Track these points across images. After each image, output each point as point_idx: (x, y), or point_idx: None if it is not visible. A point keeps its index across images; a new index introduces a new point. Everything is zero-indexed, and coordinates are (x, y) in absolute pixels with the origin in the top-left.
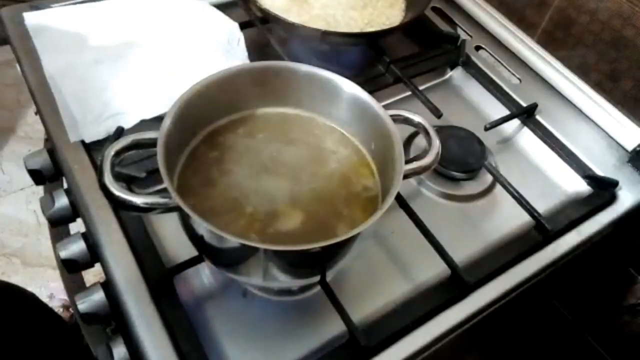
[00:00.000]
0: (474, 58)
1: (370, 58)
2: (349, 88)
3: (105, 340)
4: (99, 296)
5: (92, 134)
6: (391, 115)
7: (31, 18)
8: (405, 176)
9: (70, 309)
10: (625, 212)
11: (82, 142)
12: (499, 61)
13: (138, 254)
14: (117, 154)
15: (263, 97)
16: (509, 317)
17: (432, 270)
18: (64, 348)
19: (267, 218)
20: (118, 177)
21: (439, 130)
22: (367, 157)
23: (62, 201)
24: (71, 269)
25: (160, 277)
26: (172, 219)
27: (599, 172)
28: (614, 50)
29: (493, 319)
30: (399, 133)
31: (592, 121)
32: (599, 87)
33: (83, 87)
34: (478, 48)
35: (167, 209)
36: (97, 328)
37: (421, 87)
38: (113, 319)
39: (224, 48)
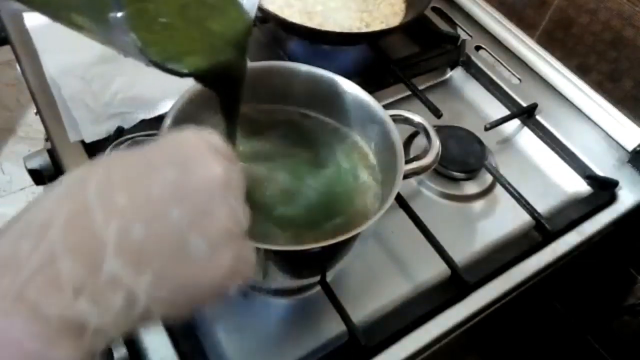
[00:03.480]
0: (474, 58)
1: (370, 58)
2: (349, 88)
3: None
4: None
5: (92, 134)
6: (391, 115)
7: (31, 18)
8: (405, 176)
9: None
10: (626, 212)
11: (82, 142)
12: (499, 61)
13: None
14: None
15: (263, 97)
16: (509, 318)
17: (432, 270)
18: None
19: (268, 217)
20: None
21: (439, 130)
22: (370, 155)
23: None
24: None
25: None
26: None
27: (599, 172)
28: (614, 50)
29: (493, 319)
30: (398, 133)
31: (592, 121)
32: (599, 87)
33: (83, 87)
34: (478, 48)
35: None
36: None
37: (421, 87)
38: None
39: None
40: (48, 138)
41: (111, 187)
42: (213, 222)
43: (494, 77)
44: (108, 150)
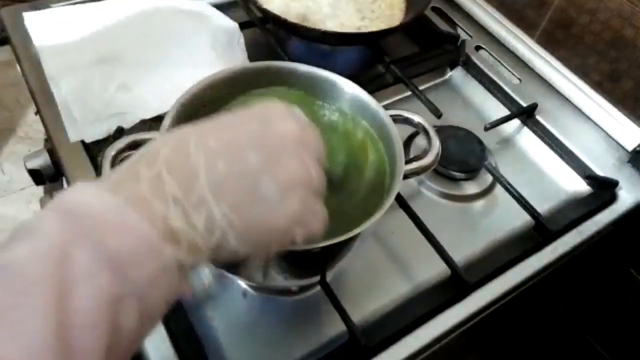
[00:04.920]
0: (474, 58)
1: (370, 58)
2: (349, 88)
3: None
4: None
5: (92, 134)
6: (391, 115)
7: (31, 18)
8: (405, 176)
9: None
10: (625, 212)
11: (82, 142)
12: (499, 61)
13: None
14: (117, 154)
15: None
16: (508, 318)
17: (432, 270)
18: None
19: None
20: None
21: (439, 130)
22: (380, 145)
23: None
24: None
25: None
26: None
27: (599, 172)
28: (614, 50)
29: (493, 319)
30: (398, 133)
31: (592, 121)
32: (599, 87)
33: (83, 87)
34: (478, 48)
35: None
36: None
37: (421, 87)
38: None
39: (224, 48)
40: (48, 138)
41: (206, 132)
42: (284, 170)
43: (494, 77)
44: (109, 149)
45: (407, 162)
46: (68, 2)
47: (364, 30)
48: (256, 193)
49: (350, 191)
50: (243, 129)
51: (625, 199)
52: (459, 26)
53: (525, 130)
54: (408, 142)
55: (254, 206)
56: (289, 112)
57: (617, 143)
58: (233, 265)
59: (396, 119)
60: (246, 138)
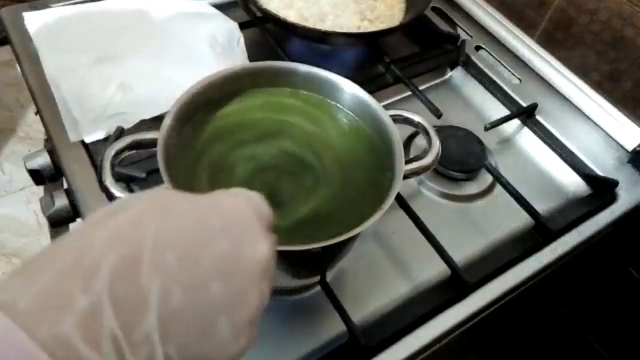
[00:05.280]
0: (474, 58)
1: (370, 58)
2: (349, 88)
3: None
4: None
5: (92, 134)
6: (391, 115)
7: (31, 18)
8: (405, 176)
9: None
10: (625, 212)
11: (82, 142)
12: (499, 61)
13: None
14: (117, 154)
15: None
16: (508, 318)
17: (432, 270)
18: None
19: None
20: (118, 177)
21: (439, 130)
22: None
23: (62, 201)
24: None
25: None
26: None
27: (599, 172)
28: (614, 50)
29: (493, 319)
30: (398, 133)
31: (592, 121)
32: (599, 87)
33: (83, 87)
34: (478, 48)
35: None
36: None
37: (421, 87)
38: None
39: (224, 48)
40: (48, 138)
41: (165, 242)
42: (244, 308)
43: (494, 77)
44: (109, 149)
45: (407, 162)
46: (68, 2)
47: (364, 30)
48: (209, 331)
49: (350, 191)
50: (211, 247)
51: (625, 199)
52: (459, 26)
53: (525, 130)
54: (408, 142)
55: (203, 343)
56: (260, 223)
57: (617, 143)
58: None
59: (396, 119)
60: (213, 262)
